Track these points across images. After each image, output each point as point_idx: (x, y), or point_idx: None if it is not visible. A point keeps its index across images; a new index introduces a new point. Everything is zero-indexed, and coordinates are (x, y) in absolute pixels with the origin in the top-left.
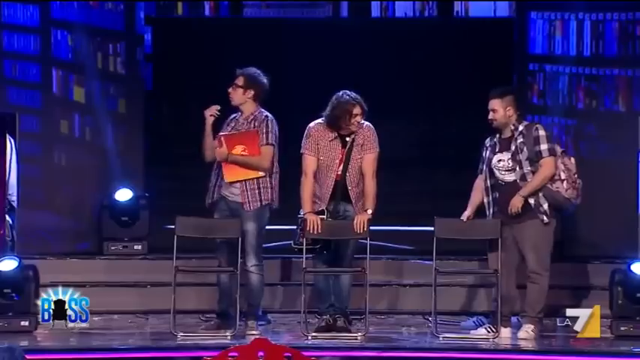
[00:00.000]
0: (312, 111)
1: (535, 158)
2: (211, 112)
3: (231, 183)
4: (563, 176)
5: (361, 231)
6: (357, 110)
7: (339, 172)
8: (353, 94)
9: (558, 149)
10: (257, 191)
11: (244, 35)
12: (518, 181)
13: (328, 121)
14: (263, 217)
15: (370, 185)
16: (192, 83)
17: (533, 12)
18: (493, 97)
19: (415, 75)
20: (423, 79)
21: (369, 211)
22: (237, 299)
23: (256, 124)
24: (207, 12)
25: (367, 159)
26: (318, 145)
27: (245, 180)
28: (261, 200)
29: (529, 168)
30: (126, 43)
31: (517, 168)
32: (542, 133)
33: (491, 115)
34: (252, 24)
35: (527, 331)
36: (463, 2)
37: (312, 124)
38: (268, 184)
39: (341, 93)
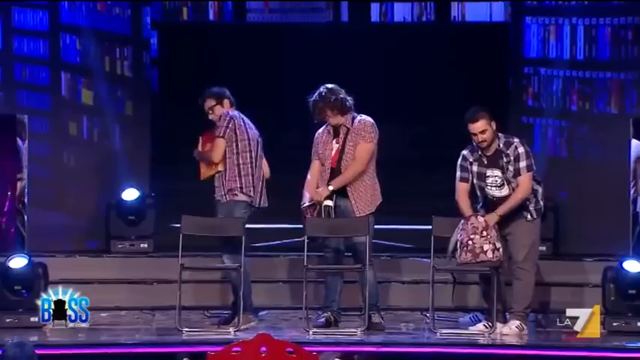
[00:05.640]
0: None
1: (516, 175)
2: None
3: (203, 181)
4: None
5: (320, 198)
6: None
7: (335, 162)
8: (320, 94)
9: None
10: (222, 186)
11: (247, 39)
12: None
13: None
14: (235, 211)
15: (352, 168)
16: (197, 86)
17: (528, 17)
18: (478, 119)
19: (413, 78)
20: (421, 82)
21: (330, 187)
22: (240, 296)
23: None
24: (211, 17)
25: (359, 148)
26: (318, 147)
27: (213, 176)
28: (226, 193)
29: (517, 183)
30: (133, 46)
31: (507, 185)
32: (521, 150)
33: (481, 138)
34: (255, 29)
35: (510, 327)
36: (460, 7)
37: (319, 130)
38: (232, 177)
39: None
